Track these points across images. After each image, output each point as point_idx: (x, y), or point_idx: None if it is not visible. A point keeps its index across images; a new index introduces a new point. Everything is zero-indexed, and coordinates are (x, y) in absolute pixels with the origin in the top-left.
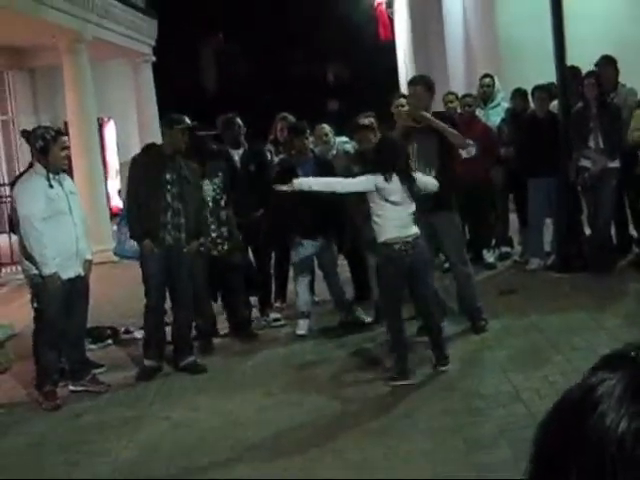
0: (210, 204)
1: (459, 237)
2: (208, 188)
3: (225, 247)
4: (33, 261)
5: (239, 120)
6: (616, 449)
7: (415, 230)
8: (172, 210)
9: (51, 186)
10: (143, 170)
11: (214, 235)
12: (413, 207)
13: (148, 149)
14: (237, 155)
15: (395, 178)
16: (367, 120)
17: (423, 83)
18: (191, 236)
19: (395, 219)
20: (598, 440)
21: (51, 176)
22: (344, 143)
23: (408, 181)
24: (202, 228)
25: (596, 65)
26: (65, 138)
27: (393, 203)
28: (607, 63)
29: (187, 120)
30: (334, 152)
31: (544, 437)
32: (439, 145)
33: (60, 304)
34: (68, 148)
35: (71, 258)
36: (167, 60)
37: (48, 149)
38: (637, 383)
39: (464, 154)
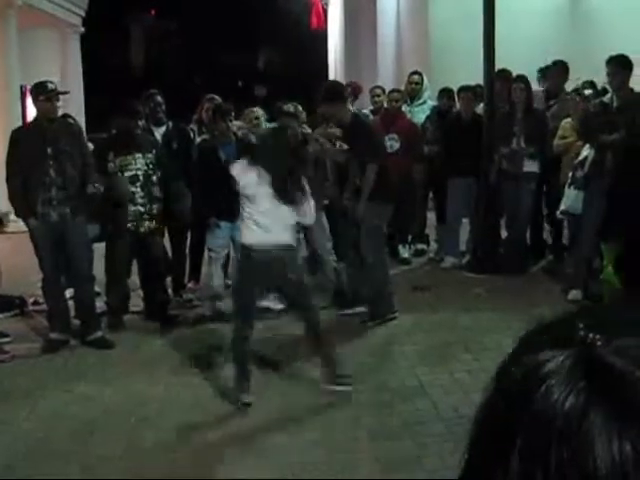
0: (141, 178)
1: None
2: (141, 162)
3: (152, 225)
4: None
5: (159, 97)
6: (562, 424)
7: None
8: (55, 185)
9: None
10: (23, 145)
11: (142, 210)
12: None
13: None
14: (159, 133)
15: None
16: (292, 107)
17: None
18: (78, 210)
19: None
20: (544, 415)
21: None
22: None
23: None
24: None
25: (545, 68)
26: None
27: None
28: (559, 68)
29: (52, 86)
30: None
31: (486, 415)
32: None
33: None
34: None
35: None
36: (96, 33)
37: None
38: (585, 360)
39: (387, 149)
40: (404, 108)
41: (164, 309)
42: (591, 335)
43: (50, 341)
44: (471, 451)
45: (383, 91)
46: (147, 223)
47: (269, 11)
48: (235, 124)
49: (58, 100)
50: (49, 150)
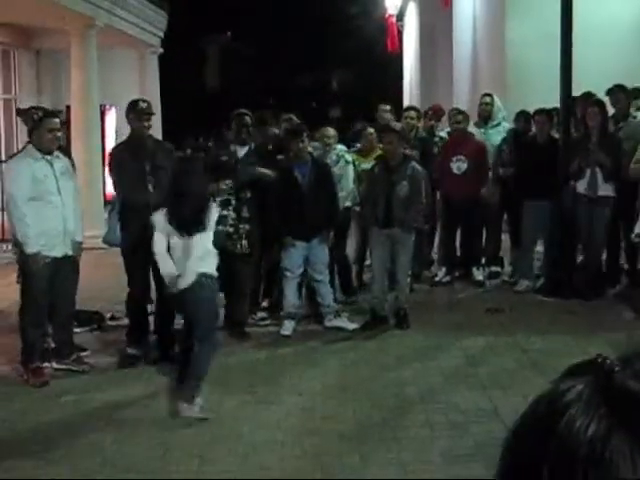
0: (233, 202)
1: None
2: (229, 187)
3: (243, 244)
4: (17, 240)
5: (248, 118)
6: (586, 451)
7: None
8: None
9: (40, 166)
10: (124, 162)
11: (231, 230)
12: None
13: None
14: (242, 152)
15: None
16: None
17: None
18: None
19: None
20: (569, 443)
21: (40, 156)
22: (343, 151)
23: None
24: None
25: (608, 93)
26: (55, 120)
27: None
28: (619, 92)
29: (143, 105)
30: (333, 157)
31: (515, 444)
32: None
33: (45, 283)
34: (58, 130)
35: (57, 237)
36: (174, 54)
37: (34, 130)
38: (604, 386)
39: (455, 170)
40: (477, 131)
41: (242, 324)
42: (609, 361)
43: (126, 356)
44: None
45: (461, 114)
46: (238, 243)
47: (345, 33)
48: (311, 145)
49: (149, 120)
50: (147, 167)
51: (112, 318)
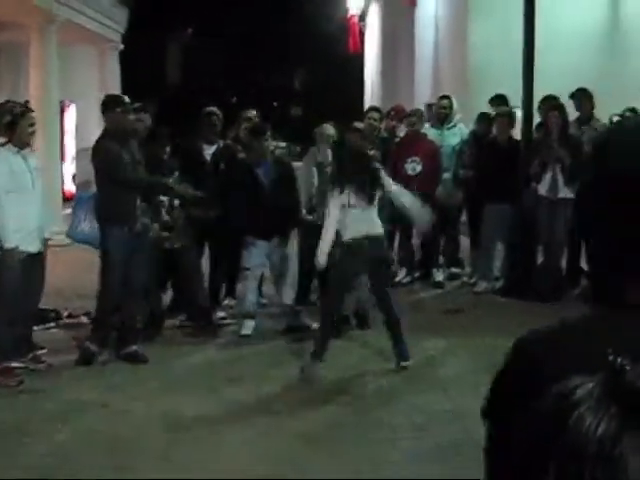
0: (166, 202)
1: None
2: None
3: (177, 239)
4: None
5: (216, 117)
6: (596, 449)
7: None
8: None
9: (17, 160)
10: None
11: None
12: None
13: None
14: (209, 152)
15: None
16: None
17: None
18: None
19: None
20: (578, 441)
21: (16, 150)
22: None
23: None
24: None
25: (571, 96)
26: (33, 114)
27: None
28: (582, 95)
29: (127, 100)
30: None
31: (521, 442)
32: None
33: (19, 279)
34: (35, 124)
35: (33, 233)
36: (135, 49)
37: (16, 124)
38: (615, 385)
39: (409, 171)
40: (433, 131)
41: (207, 314)
42: (619, 360)
43: (86, 353)
44: (504, 477)
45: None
46: (167, 237)
47: (306, 33)
48: (272, 143)
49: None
50: (129, 158)
51: (70, 316)
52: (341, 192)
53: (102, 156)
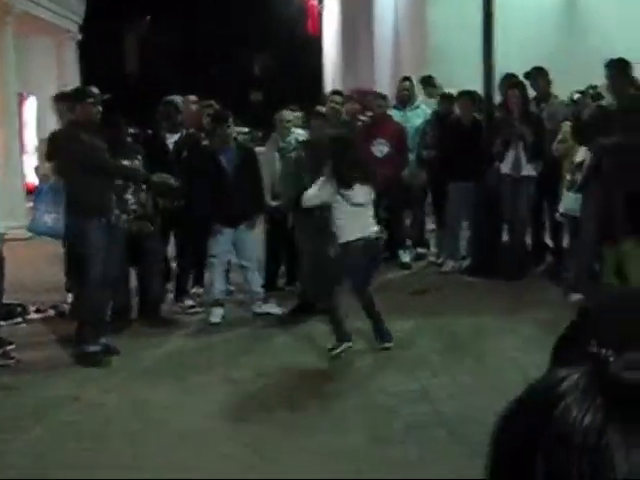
0: (131, 185)
1: None
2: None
3: (143, 226)
4: None
5: (176, 105)
6: (582, 440)
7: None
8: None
9: None
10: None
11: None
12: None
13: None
14: (172, 140)
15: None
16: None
17: None
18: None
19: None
20: (564, 431)
21: None
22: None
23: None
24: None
25: (527, 76)
26: None
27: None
28: (539, 74)
29: (97, 91)
30: (292, 142)
31: (507, 432)
32: None
33: None
34: None
35: None
36: (93, 39)
37: None
38: (600, 377)
39: (377, 153)
40: (396, 113)
41: (156, 308)
42: (603, 351)
43: (87, 354)
44: (492, 469)
45: (383, 98)
46: (137, 224)
47: (263, 16)
48: (234, 129)
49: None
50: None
51: (37, 311)
52: (348, 188)
53: (78, 146)
